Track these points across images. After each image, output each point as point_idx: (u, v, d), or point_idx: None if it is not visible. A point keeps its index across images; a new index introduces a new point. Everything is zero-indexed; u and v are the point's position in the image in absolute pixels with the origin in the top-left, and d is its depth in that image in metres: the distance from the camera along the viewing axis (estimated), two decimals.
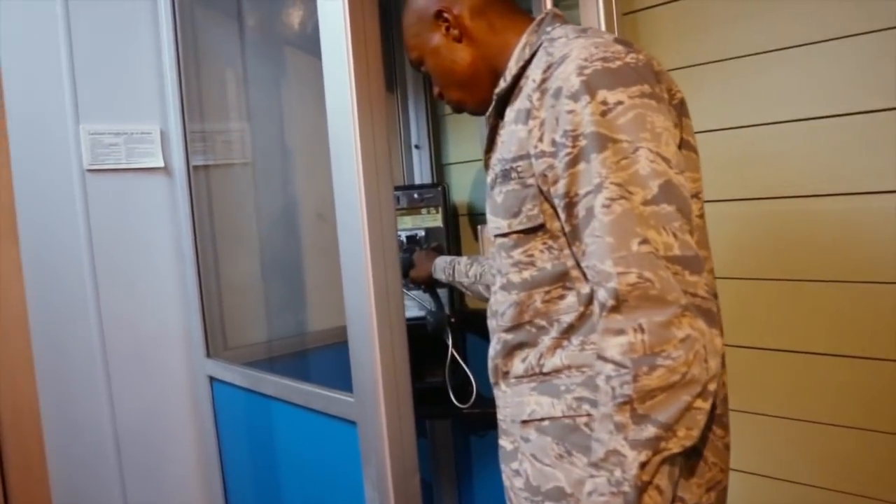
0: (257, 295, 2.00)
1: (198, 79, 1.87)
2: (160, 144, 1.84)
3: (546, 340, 0.98)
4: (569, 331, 0.96)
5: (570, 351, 0.96)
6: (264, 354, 1.96)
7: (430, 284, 1.81)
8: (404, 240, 2.00)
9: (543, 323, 0.99)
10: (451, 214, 2.17)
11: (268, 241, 2.02)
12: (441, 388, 1.98)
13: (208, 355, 1.82)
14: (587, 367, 0.94)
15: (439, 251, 1.86)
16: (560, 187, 0.89)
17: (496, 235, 1.04)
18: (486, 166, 1.09)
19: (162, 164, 1.84)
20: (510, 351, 1.04)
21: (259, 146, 2.00)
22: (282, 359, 1.99)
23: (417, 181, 2.25)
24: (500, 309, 1.05)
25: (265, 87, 2.03)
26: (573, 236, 0.90)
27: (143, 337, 1.85)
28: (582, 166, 0.85)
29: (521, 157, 0.95)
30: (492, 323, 1.10)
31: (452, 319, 1.99)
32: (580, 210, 0.87)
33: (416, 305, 1.99)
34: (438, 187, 1.98)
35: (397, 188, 2.00)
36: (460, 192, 2.24)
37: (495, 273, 1.07)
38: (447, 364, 1.93)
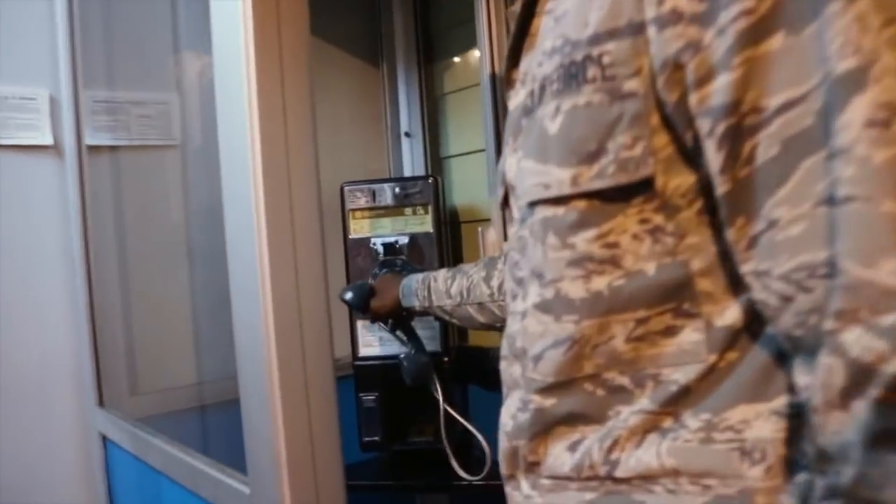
0: (184, 321, 1.49)
1: (107, 32, 1.40)
2: (49, 115, 1.36)
3: (627, 416, 0.56)
4: (681, 400, 0.53)
5: (681, 442, 0.53)
6: (190, 402, 1.45)
7: (398, 317, 1.30)
8: (380, 250, 1.48)
9: (625, 381, 0.57)
10: (446, 217, 1.66)
11: (201, 250, 1.52)
12: (434, 450, 1.45)
13: (101, 403, 1.31)
14: (715, 479, 0.51)
15: (406, 270, 1.35)
16: (718, 93, 0.45)
17: (533, 203, 0.61)
18: (509, 82, 0.70)
19: (51, 142, 1.36)
20: (548, 427, 0.61)
21: (192, 125, 1.51)
22: (215, 408, 1.47)
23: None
24: (530, 347, 0.63)
25: (204, 48, 1.55)
26: (732, 205, 0.47)
27: (23, 374, 1.35)
28: (782, 39, 0.42)
29: (610, 34, 0.51)
30: (512, 370, 0.67)
31: (445, 358, 1.47)
32: (766, 143, 0.43)
33: (392, 339, 1.47)
34: (428, 179, 1.47)
35: (372, 181, 1.50)
36: (463, 192, 1.73)
37: (516, 280, 0.67)
38: (441, 422, 1.40)
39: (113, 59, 1.42)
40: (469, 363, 1.66)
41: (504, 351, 0.69)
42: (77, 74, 1.33)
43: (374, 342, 1.50)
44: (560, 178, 0.56)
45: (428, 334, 1.48)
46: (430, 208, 1.47)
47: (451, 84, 1.76)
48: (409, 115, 1.78)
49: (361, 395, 1.49)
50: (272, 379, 0.72)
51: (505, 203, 0.74)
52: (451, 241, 1.72)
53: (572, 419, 0.60)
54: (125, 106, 1.44)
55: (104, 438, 1.31)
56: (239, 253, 0.77)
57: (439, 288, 1.18)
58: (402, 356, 1.34)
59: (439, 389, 1.39)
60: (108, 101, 1.41)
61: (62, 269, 1.39)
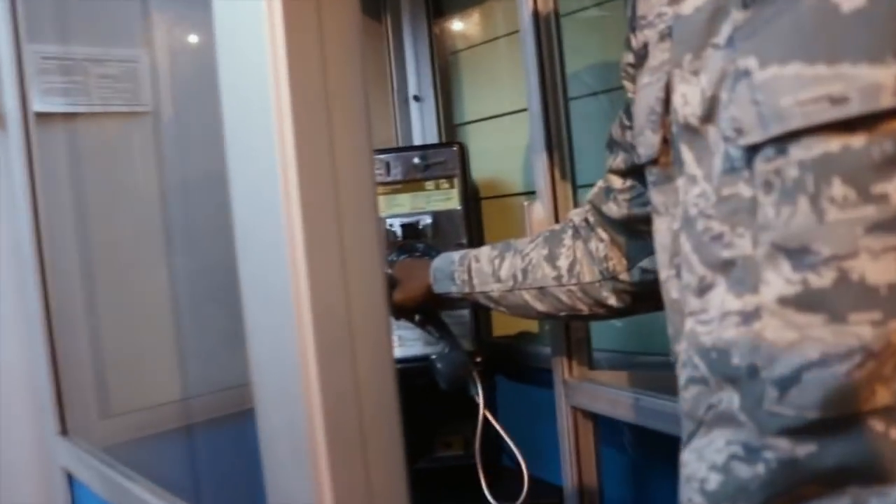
0: (165, 325, 1.24)
1: None
2: None
3: None
4: None
5: None
6: (175, 422, 1.21)
7: (429, 311, 1.08)
8: (398, 232, 1.24)
9: None
10: (472, 192, 1.43)
11: (185, 238, 1.27)
12: (465, 466, 1.24)
13: (63, 432, 1.06)
14: None
15: (431, 255, 1.12)
16: None
17: (793, 134, 0.41)
18: None
19: None
20: (799, 487, 0.41)
21: (167, 86, 1.26)
22: (205, 427, 1.23)
23: None
24: (768, 366, 0.44)
25: None
26: None
27: None
28: None
29: None
30: (715, 399, 0.48)
31: (479, 359, 1.24)
32: None
33: (416, 335, 1.24)
34: (453, 147, 1.24)
35: (387, 150, 1.26)
36: (483, 164, 1.49)
37: (712, 263, 0.49)
38: (478, 433, 1.18)
39: (66, 4, 1.16)
40: (498, 355, 1.44)
41: (687, 371, 0.47)
42: (18, 23, 1.06)
43: (393, 342, 1.26)
44: (871, 81, 0.33)
45: (456, 329, 1.26)
46: (456, 181, 1.24)
47: (465, 39, 1.52)
48: (417, 76, 1.53)
49: None
50: (313, 424, 0.48)
51: (653, 162, 0.59)
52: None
53: (842, 476, 0.38)
54: (82, 64, 1.17)
55: (69, 475, 1.06)
56: (257, 237, 0.52)
57: (483, 269, 0.96)
58: (434, 356, 1.12)
59: (480, 393, 1.17)
60: (60, 57, 1.15)
61: (8, 267, 1.13)
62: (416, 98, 1.52)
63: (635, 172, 0.76)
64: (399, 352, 1.26)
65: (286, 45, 0.50)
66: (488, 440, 1.25)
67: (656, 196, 0.60)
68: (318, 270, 0.50)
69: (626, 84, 0.73)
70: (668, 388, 1.02)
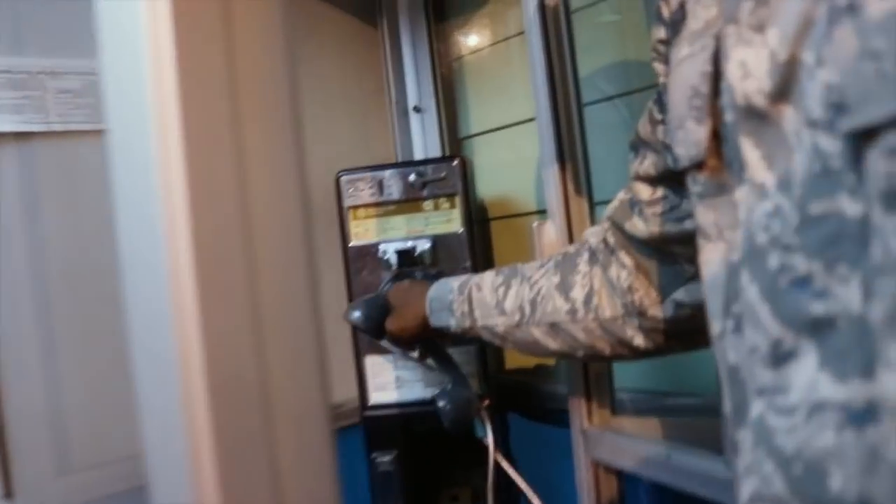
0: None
1: None
2: None
3: None
4: None
5: None
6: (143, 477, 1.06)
7: (429, 342, 0.95)
8: (392, 260, 1.10)
9: None
10: (477, 212, 1.29)
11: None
12: None
13: (7, 495, 0.94)
14: None
15: (434, 277, 0.98)
16: None
17: None
18: None
19: None
20: None
21: None
22: None
23: None
24: (886, 485, 0.27)
25: None
26: None
27: None
28: None
29: None
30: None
31: (487, 402, 1.10)
32: None
33: (417, 376, 1.10)
34: (453, 162, 1.10)
35: (378, 167, 1.12)
36: (490, 181, 1.35)
37: (805, 319, 0.33)
38: (489, 483, 1.03)
39: (18, 10, 1.04)
40: (510, 393, 1.29)
41: (752, 483, 0.33)
42: None
43: (390, 384, 1.12)
44: None
45: (460, 359, 1.11)
46: (457, 200, 1.10)
47: (470, 43, 1.38)
48: (417, 86, 1.40)
49: (375, 455, 1.12)
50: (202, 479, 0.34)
51: (698, 166, 0.45)
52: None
53: None
54: (39, 78, 1.06)
55: None
56: (140, 282, 0.38)
57: (486, 300, 0.81)
58: (436, 394, 0.98)
59: (490, 434, 1.03)
60: (11, 70, 1.03)
61: None
62: (417, 109, 1.39)
63: (670, 179, 0.61)
64: (398, 394, 1.11)
65: (173, 28, 0.37)
66: (501, 488, 1.10)
67: (704, 213, 0.45)
68: (217, 329, 0.36)
69: (657, 66, 0.57)
70: (707, 439, 0.87)
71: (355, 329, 1.07)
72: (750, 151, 0.37)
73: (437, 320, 0.88)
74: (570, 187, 1.02)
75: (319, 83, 1.32)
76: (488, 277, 0.84)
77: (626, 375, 1.08)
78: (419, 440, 1.11)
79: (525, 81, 1.19)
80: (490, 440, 1.06)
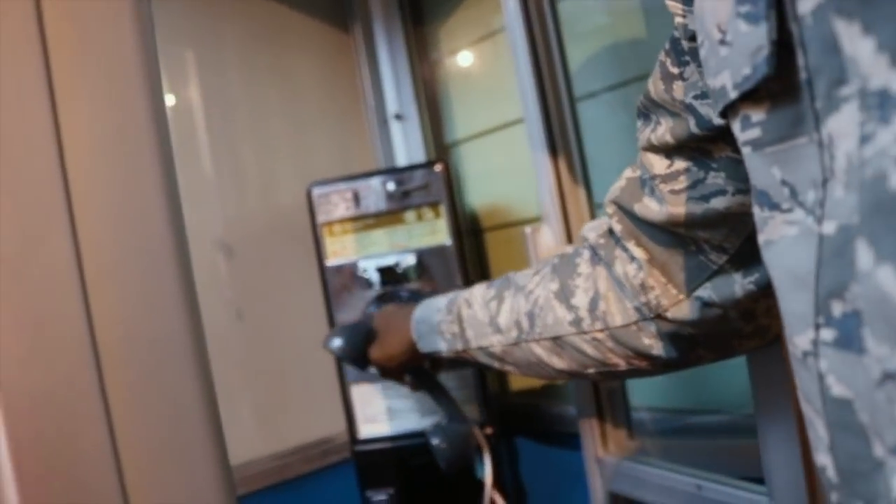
0: None
1: None
2: None
3: None
4: None
5: None
6: None
7: (419, 371, 0.85)
8: (373, 279, 1.00)
9: None
10: (468, 223, 1.19)
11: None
12: None
13: None
14: None
15: (418, 300, 0.88)
16: None
17: None
18: None
19: None
20: None
21: None
22: None
23: None
24: None
25: None
26: None
27: None
28: None
29: None
30: None
31: (489, 430, 0.99)
32: None
33: (410, 405, 1.00)
34: (434, 167, 1.00)
35: (353, 178, 1.03)
36: (482, 188, 1.25)
37: None
38: None
39: None
40: (516, 419, 1.18)
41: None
42: None
43: (381, 415, 1.01)
44: None
45: (453, 384, 1.01)
46: (442, 209, 1.00)
47: (451, 43, 1.29)
48: (397, 92, 1.30)
49: (369, 493, 1.01)
50: None
51: (754, 94, 0.31)
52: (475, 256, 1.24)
53: None
54: None
55: None
56: None
57: (478, 317, 0.71)
58: (429, 430, 0.87)
59: (488, 472, 0.92)
60: None
61: None
62: (398, 117, 1.29)
63: (691, 148, 0.49)
64: (389, 427, 1.00)
65: None
66: None
67: (764, 170, 0.33)
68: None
69: (671, 3, 0.46)
70: (741, 464, 0.76)
71: (337, 359, 0.96)
72: (856, 43, 0.25)
73: (425, 345, 0.78)
74: (566, 188, 0.92)
75: (291, 95, 1.23)
76: (478, 291, 0.73)
77: (642, 392, 0.97)
78: (417, 475, 1.00)
79: (513, 80, 1.10)
80: (487, 477, 0.95)
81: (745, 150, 0.34)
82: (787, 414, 0.61)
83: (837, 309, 0.28)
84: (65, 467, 0.25)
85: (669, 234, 0.53)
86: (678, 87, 0.47)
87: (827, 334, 0.29)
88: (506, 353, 0.69)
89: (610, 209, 0.59)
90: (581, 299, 0.62)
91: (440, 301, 0.78)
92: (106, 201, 0.27)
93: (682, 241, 0.53)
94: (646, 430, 0.94)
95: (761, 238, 0.34)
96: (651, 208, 0.53)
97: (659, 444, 0.88)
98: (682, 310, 0.54)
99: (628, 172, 0.57)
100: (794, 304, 0.31)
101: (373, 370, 0.88)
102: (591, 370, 0.65)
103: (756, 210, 0.34)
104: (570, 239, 0.89)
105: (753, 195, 0.35)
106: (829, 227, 0.28)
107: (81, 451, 0.25)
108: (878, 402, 0.26)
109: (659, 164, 0.52)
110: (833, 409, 0.29)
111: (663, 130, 0.50)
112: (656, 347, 0.58)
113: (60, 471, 0.24)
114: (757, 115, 0.32)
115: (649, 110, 0.52)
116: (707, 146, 0.47)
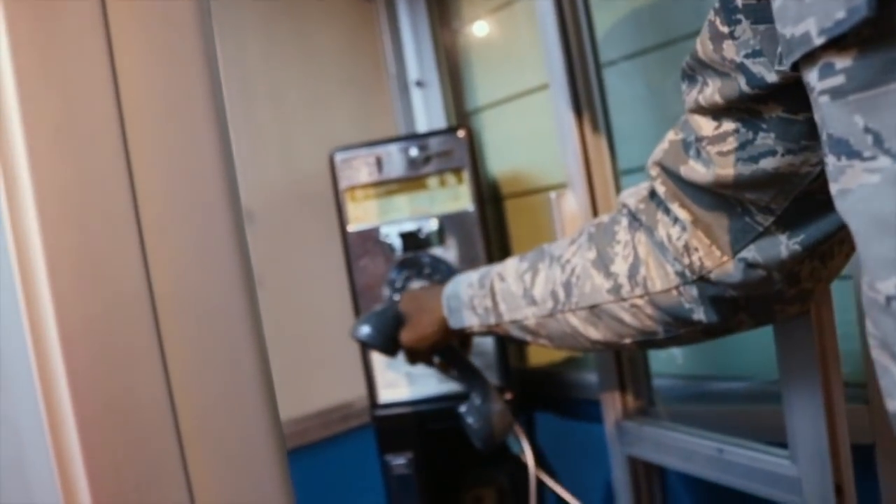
0: None
1: None
2: None
3: None
4: None
5: None
6: None
7: (449, 351, 0.85)
8: (395, 244, 1.00)
9: None
10: (489, 191, 1.18)
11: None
12: None
13: None
14: None
15: (440, 272, 0.88)
16: None
17: None
18: None
19: None
20: None
21: None
22: None
23: None
24: None
25: None
26: None
27: None
28: None
29: None
30: None
31: (509, 397, 1.00)
32: None
33: (429, 370, 1.00)
34: (458, 132, 1.00)
35: (376, 143, 1.02)
36: (503, 156, 1.24)
37: None
38: (532, 501, 0.94)
39: None
40: (540, 390, 1.18)
41: None
42: None
43: (400, 380, 1.02)
44: None
45: (476, 350, 1.02)
46: (465, 174, 0.99)
47: (473, 9, 1.28)
48: (419, 58, 1.29)
49: (388, 457, 1.02)
50: None
51: (841, 41, 0.31)
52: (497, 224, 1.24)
53: None
54: None
55: None
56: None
57: (511, 290, 0.71)
58: (463, 410, 0.87)
59: (527, 450, 0.93)
60: None
61: None
62: (419, 84, 1.29)
63: (740, 109, 0.48)
64: (409, 392, 1.01)
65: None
66: (526, 494, 1.00)
67: (845, 119, 0.32)
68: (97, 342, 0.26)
69: None
70: (764, 429, 0.76)
71: (365, 347, 0.96)
72: None
73: (456, 321, 0.78)
74: (592, 154, 0.92)
75: (313, 62, 1.22)
76: (511, 264, 0.73)
77: (663, 360, 0.97)
78: (435, 439, 1.01)
79: (537, 45, 1.08)
80: (529, 456, 0.95)
81: (822, 100, 0.33)
82: (812, 380, 0.61)
83: None
84: (123, 414, 0.25)
85: (715, 196, 0.53)
86: (728, 46, 0.46)
87: None
88: (540, 325, 0.69)
89: (654, 171, 0.58)
90: (620, 266, 0.61)
91: (472, 276, 0.78)
92: (162, 157, 0.27)
93: (728, 202, 0.53)
94: (666, 396, 0.94)
95: (835, 188, 0.34)
96: (697, 170, 0.52)
97: (680, 411, 0.89)
98: (726, 271, 0.54)
99: (671, 135, 0.56)
100: (878, 250, 0.31)
101: (401, 356, 0.87)
102: (627, 340, 0.64)
103: (831, 160, 0.34)
104: (594, 204, 0.88)
105: (828, 145, 0.34)
106: None
107: (139, 398, 0.26)
108: None
109: (706, 125, 0.51)
110: None
111: (711, 91, 0.49)
112: (697, 312, 0.58)
113: (118, 414, 0.25)
114: (842, 62, 0.31)
115: (696, 71, 0.51)
116: (757, 106, 0.46)
